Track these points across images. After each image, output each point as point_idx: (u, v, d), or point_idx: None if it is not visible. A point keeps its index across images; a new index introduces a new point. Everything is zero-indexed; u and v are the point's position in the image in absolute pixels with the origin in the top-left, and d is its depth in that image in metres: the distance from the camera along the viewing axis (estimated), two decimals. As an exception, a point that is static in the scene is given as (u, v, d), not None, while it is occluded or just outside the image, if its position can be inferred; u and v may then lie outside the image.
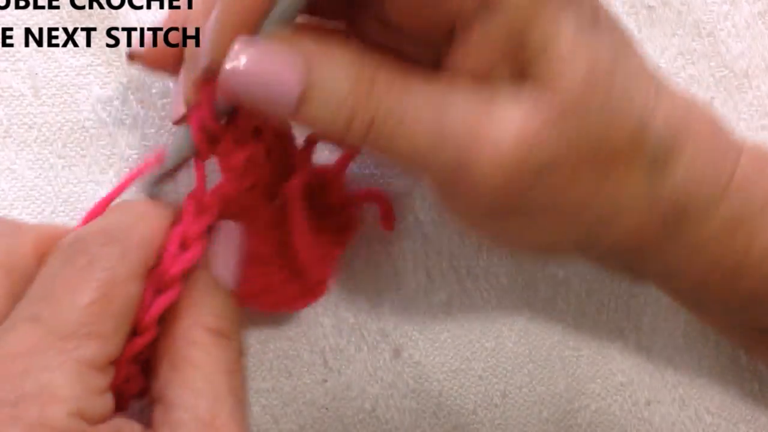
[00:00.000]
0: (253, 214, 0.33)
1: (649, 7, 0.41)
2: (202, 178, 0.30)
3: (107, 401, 0.26)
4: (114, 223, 0.29)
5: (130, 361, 0.28)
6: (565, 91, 0.27)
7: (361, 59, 0.28)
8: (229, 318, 0.29)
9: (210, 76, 0.28)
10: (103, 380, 0.26)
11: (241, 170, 0.31)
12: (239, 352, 0.29)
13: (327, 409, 0.38)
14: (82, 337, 0.26)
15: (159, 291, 0.28)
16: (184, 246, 0.29)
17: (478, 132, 0.27)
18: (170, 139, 0.38)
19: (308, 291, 0.35)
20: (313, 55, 0.27)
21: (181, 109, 0.30)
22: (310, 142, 0.34)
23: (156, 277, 0.28)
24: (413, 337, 0.39)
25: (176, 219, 0.30)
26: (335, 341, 0.39)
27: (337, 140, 0.33)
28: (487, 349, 0.40)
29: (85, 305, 0.26)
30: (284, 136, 0.34)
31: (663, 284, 0.35)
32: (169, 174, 0.31)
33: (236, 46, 0.27)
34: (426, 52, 0.29)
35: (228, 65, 0.27)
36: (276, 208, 0.34)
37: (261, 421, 0.38)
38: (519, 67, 0.28)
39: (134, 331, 0.28)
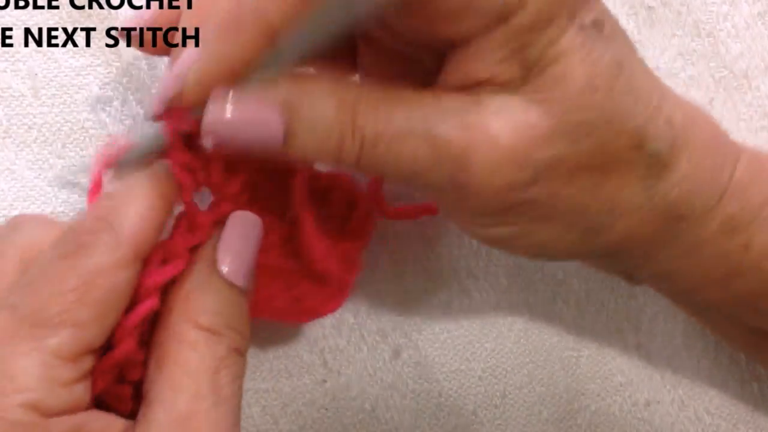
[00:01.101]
0: (267, 229, 0.33)
1: (649, 8, 0.41)
2: (190, 201, 0.30)
3: (74, 394, 0.26)
4: (110, 208, 0.28)
5: (113, 366, 0.27)
6: (566, 92, 0.27)
7: (340, 86, 0.28)
8: (223, 314, 0.28)
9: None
10: (73, 371, 0.26)
11: (238, 195, 0.31)
12: (231, 350, 0.28)
13: (327, 409, 0.38)
14: (56, 325, 0.25)
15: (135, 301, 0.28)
16: (165, 260, 0.28)
17: (474, 132, 0.27)
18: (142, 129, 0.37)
19: (332, 295, 0.35)
20: (291, 92, 0.27)
21: (159, 108, 0.29)
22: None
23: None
24: (413, 338, 0.39)
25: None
26: (335, 341, 0.39)
27: (333, 166, 0.31)
28: (486, 350, 0.40)
29: (62, 293, 0.26)
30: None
31: (660, 286, 0.35)
32: (133, 165, 0.30)
33: (214, 99, 0.27)
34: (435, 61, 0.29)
35: (209, 117, 0.27)
36: (290, 221, 0.34)
37: (261, 421, 0.38)
38: (520, 73, 0.27)
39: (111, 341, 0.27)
